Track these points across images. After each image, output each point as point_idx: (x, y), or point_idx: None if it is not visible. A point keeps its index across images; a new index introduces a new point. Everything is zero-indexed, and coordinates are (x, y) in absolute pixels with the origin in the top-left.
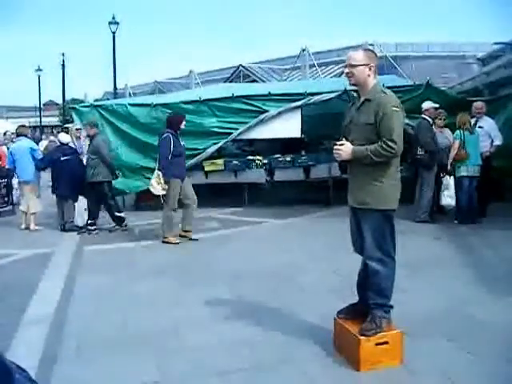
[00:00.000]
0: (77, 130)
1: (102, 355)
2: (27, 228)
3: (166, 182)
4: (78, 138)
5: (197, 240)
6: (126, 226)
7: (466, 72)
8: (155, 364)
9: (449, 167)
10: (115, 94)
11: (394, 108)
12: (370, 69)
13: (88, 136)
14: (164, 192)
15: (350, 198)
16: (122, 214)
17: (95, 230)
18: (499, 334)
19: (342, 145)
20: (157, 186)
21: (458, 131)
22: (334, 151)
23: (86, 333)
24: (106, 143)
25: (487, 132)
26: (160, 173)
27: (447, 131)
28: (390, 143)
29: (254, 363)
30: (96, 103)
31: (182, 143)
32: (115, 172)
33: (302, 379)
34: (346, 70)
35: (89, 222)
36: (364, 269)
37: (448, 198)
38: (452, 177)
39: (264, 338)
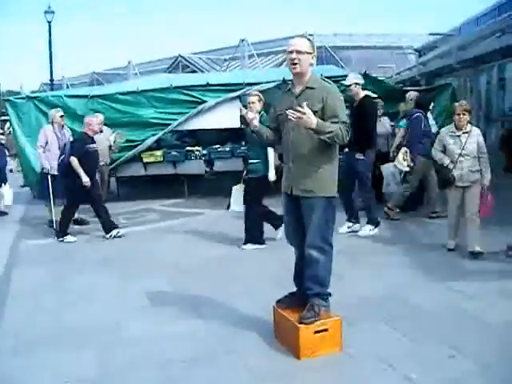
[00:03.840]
0: (61, 116)
1: (40, 351)
2: None
3: (412, 160)
4: (62, 126)
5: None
6: None
7: (403, 62)
8: (94, 358)
9: (392, 154)
10: (52, 85)
11: (341, 97)
12: (312, 58)
13: None
14: (408, 168)
15: (294, 187)
16: None
17: None
18: (435, 318)
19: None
20: (403, 162)
21: (404, 120)
22: (296, 115)
23: (24, 329)
24: None
25: None
26: (407, 150)
27: (385, 120)
28: (347, 128)
29: (194, 355)
30: (31, 95)
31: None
32: None
33: (242, 369)
34: (293, 56)
35: None
36: (301, 258)
37: (395, 186)
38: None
39: (205, 330)
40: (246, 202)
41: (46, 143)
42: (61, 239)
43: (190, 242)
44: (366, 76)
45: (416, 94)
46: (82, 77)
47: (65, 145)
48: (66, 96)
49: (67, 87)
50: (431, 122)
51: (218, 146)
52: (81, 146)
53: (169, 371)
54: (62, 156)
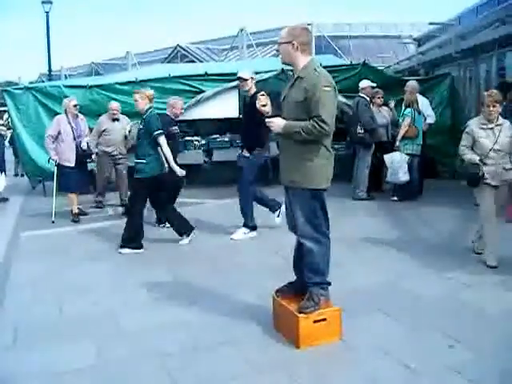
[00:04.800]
0: (74, 106)
1: (39, 343)
2: None
3: None
4: (76, 115)
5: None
6: None
7: (402, 52)
8: (94, 349)
9: (397, 143)
10: (50, 76)
11: (325, 88)
12: (293, 46)
13: None
14: None
15: (282, 177)
16: None
17: None
18: (433, 308)
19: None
20: None
21: (409, 109)
22: (267, 124)
23: (23, 321)
24: None
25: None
26: None
27: (385, 109)
28: (321, 123)
29: (193, 345)
30: (30, 85)
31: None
32: None
33: (241, 359)
34: (278, 48)
35: None
36: (299, 248)
37: (405, 175)
38: (403, 154)
39: (203, 320)
40: (130, 203)
41: (59, 133)
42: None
43: None
44: (365, 65)
45: (415, 83)
46: (81, 67)
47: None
48: (64, 86)
49: (66, 78)
50: (430, 112)
51: (216, 135)
52: (164, 127)
53: (167, 361)
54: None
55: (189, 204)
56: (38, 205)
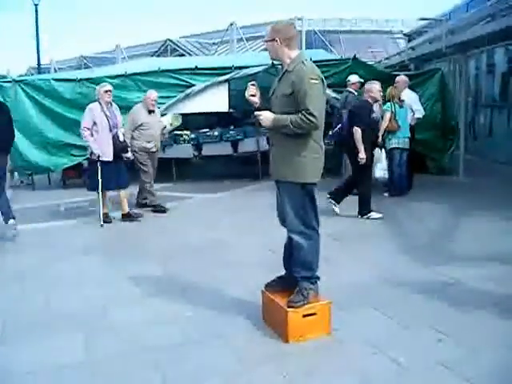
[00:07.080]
0: (106, 92)
1: (27, 338)
2: None
3: None
4: (110, 104)
5: None
6: None
7: (393, 47)
8: (82, 344)
9: (379, 139)
10: (39, 69)
11: (313, 80)
12: (277, 42)
13: None
14: None
15: (272, 171)
16: None
17: None
18: (423, 302)
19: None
20: None
21: (388, 103)
22: (257, 117)
23: (11, 315)
24: None
25: (408, 105)
26: None
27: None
28: (308, 116)
29: (182, 339)
30: (18, 78)
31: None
32: None
33: (231, 353)
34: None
35: None
36: (289, 242)
37: (381, 171)
38: (383, 149)
39: (193, 314)
40: None
41: (94, 124)
42: (366, 216)
43: (178, 226)
44: (355, 60)
45: (404, 78)
46: (70, 60)
47: (340, 115)
48: (53, 79)
49: (55, 71)
50: (418, 106)
51: (206, 130)
52: (366, 114)
53: (156, 356)
54: (339, 125)
55: (177, 198)
56: (26, 199)
